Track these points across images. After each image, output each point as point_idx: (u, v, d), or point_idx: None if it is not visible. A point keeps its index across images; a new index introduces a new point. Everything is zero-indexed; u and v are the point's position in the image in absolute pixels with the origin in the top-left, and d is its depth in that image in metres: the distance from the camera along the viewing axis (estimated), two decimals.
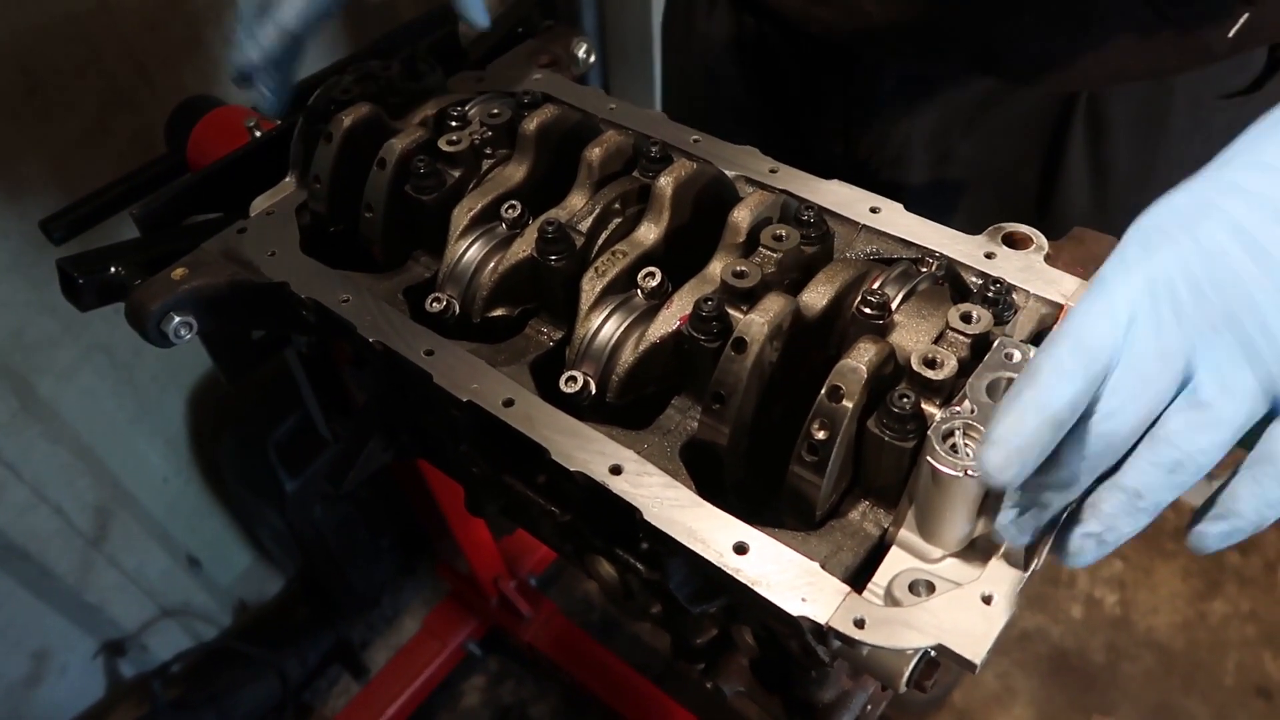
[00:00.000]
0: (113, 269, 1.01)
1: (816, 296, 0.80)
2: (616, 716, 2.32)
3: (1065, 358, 0.56)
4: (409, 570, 2.72)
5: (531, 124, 0.98)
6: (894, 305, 0.79)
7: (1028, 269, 0.83)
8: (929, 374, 0.71)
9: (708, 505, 0.72)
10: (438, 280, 0.95)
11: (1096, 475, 0.58)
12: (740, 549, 0.69)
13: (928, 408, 0.72)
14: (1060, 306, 0.80)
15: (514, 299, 0.93)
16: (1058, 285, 0.81)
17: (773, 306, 0.76)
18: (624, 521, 0.73)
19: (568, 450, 0.77)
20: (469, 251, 0.94)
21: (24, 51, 1.54)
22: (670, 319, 0.83)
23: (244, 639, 2.46)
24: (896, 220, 0.90)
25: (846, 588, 0.67)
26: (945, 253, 0.86)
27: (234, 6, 0.99)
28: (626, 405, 0.84)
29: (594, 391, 0.84)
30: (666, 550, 0.74)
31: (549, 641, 2.41)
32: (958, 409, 0.66)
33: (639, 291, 0.87)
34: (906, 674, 0.71)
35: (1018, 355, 0.69)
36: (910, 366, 0.72)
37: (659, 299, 0.86)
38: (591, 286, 0.86)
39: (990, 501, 0.66)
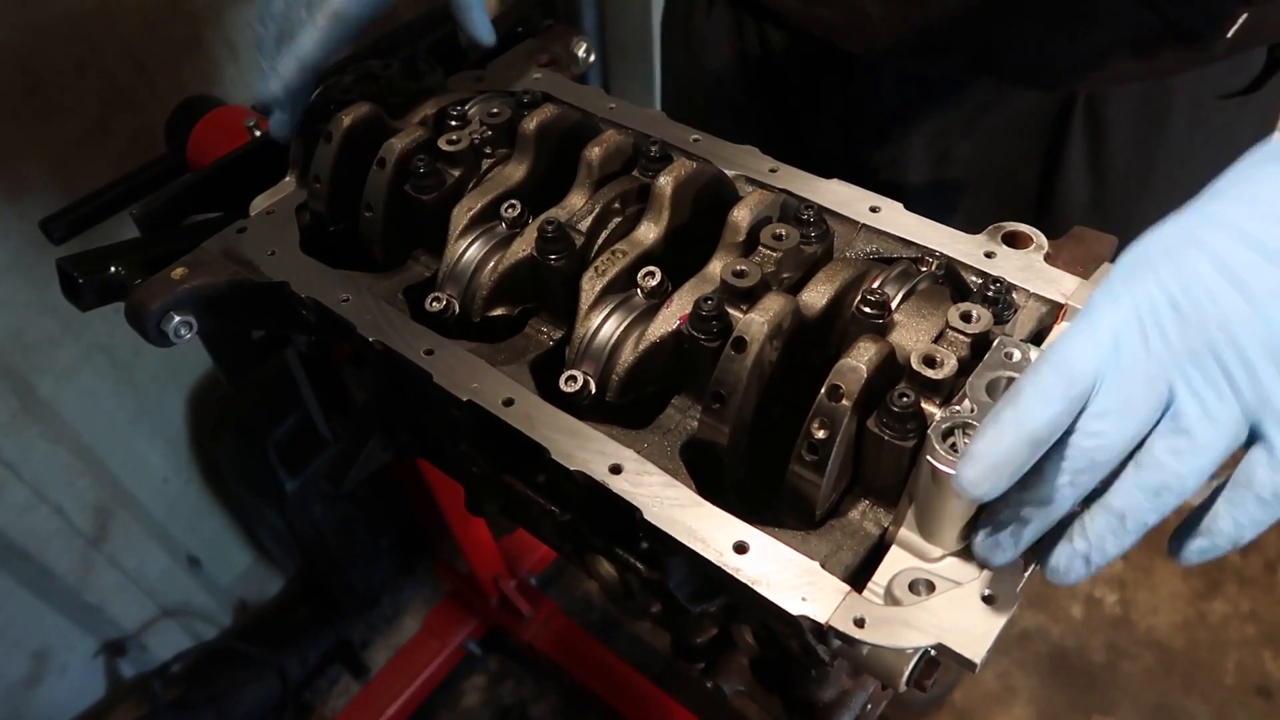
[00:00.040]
0: (113, 269, 1.02)
1: (816, 296, 0.80)
2: (617, 716, 2.32)
3: (1047, 379, 0.58)
4: (409, 570, 2.72)
5: (531, 123, 0.98)
6: (894, 304, 0.79)
7: (1028, 268, 0.83)
8: (929, 373, 0.71)
9: (708, 504, 0.72)
10: (438, 280, 0.95)
11: (1078, 495, 0.60)
12: (740, 548, 0.69)
13: (927, 407, 0.72)
14: (1060, 306, 0.80)
15: (514, 298, 0.93)
16: (1058, 284, 0.81)
17: (773, 306, 0.76)
18: (624, 521, 0.73)
19: (568, 449, 0.77)
20: (469, 251, 0.94)
21: (24, 51, 1.54)
22: (670, 318, 0.83)
23: (244, 639, 2.46)
24: (896, 219, 0.90)
25: (846, 587, 0.67)
26: (945, 252, 0.86)
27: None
28: (626, 404, 0.84)
29: (594, 391, 0.84)
30: (666, 549, 0.74)
31: (549, 641, 2.41)
32: (958, 408, 0.66)
33: (639, 291, 0.87)
34: (906, 673, 0.71)
35: (1017, 354, 0.69)
36: (910, 366, 0.72)
37: (659, 298, 0.86)
38: (591, 286, 0.86)
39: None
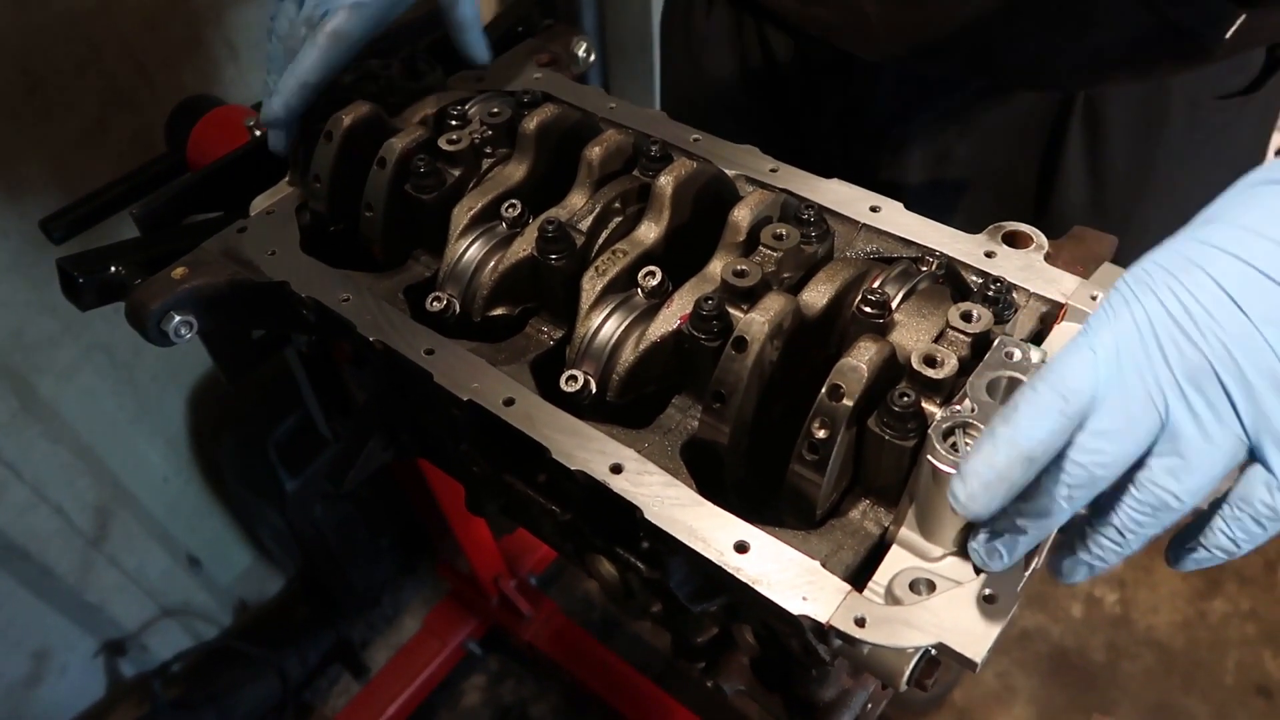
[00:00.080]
0: (113, 268, 1.02)
1: (817, 295, 0.80)
2: (617, 715, 2.32)
3: (1044, 397, 0.58)
4: (409, 569, 2.72)
5: (532, 123, 0.98)
6: (894, 304, 0.79)
7: (1028, 268, 0.83)
8: (929, 373, 0.71)
9: (708, 504, 0.72)
10: (438, 279, 0.95)
11: (1076, 508, 0.60)
12: (741, 548, 0.69)
13: (928, 406, 0.72)
14: (1061, 305, 0.80)
15: (514, 298, 0.93)
16: (1058, 284, 0.81)
17: (773, 305, 0.76)
18: (624, 520, 0.73)
19: (568, 449, 0.77)
20: (469, 250, 0.94)
21: (24, 51, 1.54)
22: (671, 318, 0.83)
23: (244, 638, 2.46)
24: (896, 219, 0.90)
25: (847, 586, 0.67)
26: (945, 251, 0.86)
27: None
28: (627, 404, 0.84)
29: (594, 390, 0.84)
30: (667, 549, 0.74)
31: (549, 640, 2.41)
32: (958, 408, 0.66)
33: (639, 290, 0.87)
34: (907, 673, 0.71)
35: (1018, 354, 0.69)
36: (911, 365, 0.72)
37: (659, 298, 0.86)
38: (592, 285, 0.86)
39: None
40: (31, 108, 1.59)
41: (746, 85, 1.43)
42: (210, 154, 1.24)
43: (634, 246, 0.89)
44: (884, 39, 1.19)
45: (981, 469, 0.58)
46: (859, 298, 0.79)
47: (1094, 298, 0.79)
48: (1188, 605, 2.59)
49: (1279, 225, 0.58)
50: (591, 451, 0.76)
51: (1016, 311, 0.80)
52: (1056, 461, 0.58)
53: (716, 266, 0.86)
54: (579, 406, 0.82)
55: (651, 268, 0.87)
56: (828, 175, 0.95)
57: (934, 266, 0.84)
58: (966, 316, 0.75)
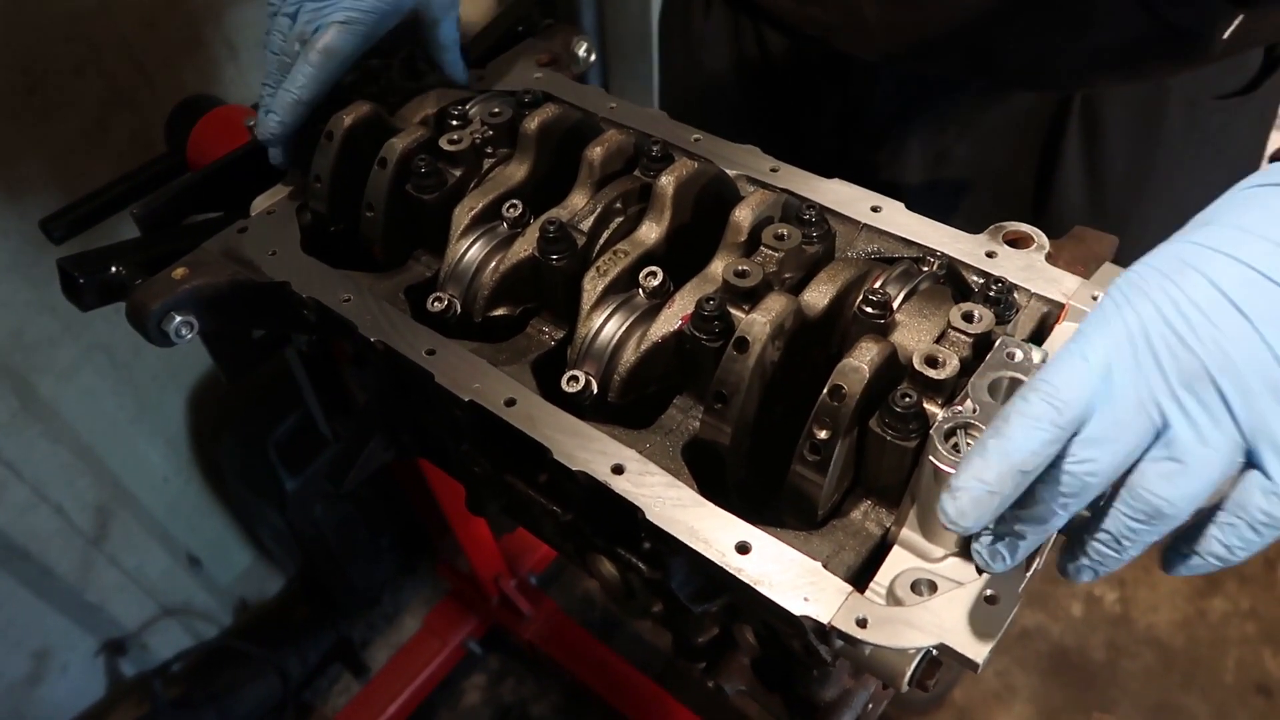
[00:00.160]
0: (113, 268, 1.01)
1: (818, 296, 0.80)
2: (617, 715, 2.33)
3: (1035, 408, 0.57)
4: (409, 569, 2.72)
5: (532, 123, 0.98)
6: (895, 304, 0.79)
7: (1029, 268, 0.83)
8: (931, 373, 0.71)
9: (710, 505, 0.72)
10: (439, 279, 0.95)
11: (1070, 515, 0.60)
12: (742, 548, 0.69)
13: (930, 407, 0.72)
14: (1062, 305, 0.80)
15: (515, 298, 0.93)
16: (1059, 284, 0.81)
17: (775, 306, 0.76)
18: (626, 521, 0.73)
19: (570, 450, 0.77)
20: (470, 251, 0.94)
21: (24, 51, 1.54)
22: (672, 318, 0.83)
23: (244, 638, 2.46)
24: (898, 219, 0.90)
25: (849, 587, 0.67)
26: (946, 252, 0.86)
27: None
28: (628, 405, 0.84)
29: (596, 391, 0.84)
30: (668, 549, 0.74)
31: (549, 640, 2.41)
32: (960, 408, 0.66)
33: (641, 291, 0.87)
34: (909, 673, 0.71)
35: (1019, 354, 0.70)
36: (912, 366, 0.72)
37: (661, 298, 0.86)
38: (593, 286, 0.86)
39: None
40: (31, 108, 1.59)
41: (745, 85, 1.43)
42: (210, 154, 1.24)
43: (635, 247, 0.89)
44: (882, 39, 1.19)
45: (971, 484, 0.57)
46: (860, 298, 0.79)
47: (1095, 298, 0.79)
48: (1188, 604, 2.59)
49: (1277, 226, 0.57)
50: (593, 452, 0.76)
51: (1018, 312, 0.80)
52: (1052, 469, 0.58)
53: (718, 267, 0.86)
54: (580, 407, 0.82)
55: (653, 268, 0.87)
56: (827, 175, 0.95)
57: (935, 267, 0.84)
58: (968, 317, 0.75)
